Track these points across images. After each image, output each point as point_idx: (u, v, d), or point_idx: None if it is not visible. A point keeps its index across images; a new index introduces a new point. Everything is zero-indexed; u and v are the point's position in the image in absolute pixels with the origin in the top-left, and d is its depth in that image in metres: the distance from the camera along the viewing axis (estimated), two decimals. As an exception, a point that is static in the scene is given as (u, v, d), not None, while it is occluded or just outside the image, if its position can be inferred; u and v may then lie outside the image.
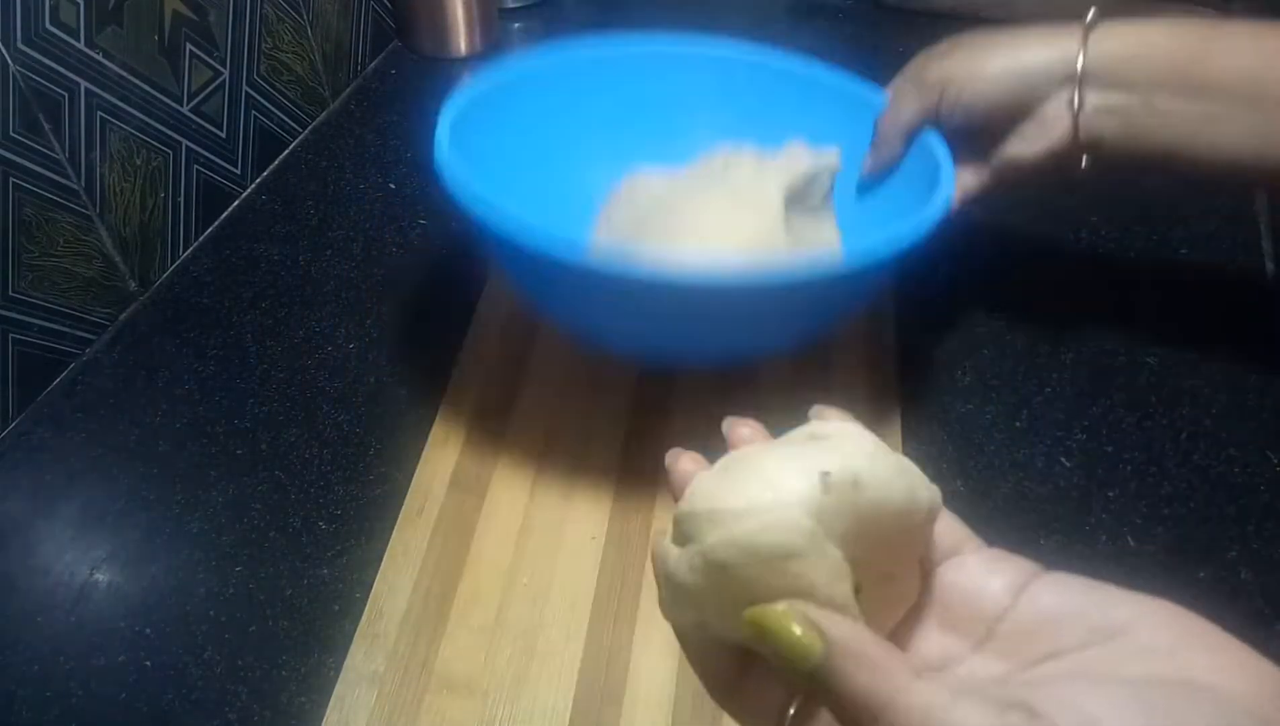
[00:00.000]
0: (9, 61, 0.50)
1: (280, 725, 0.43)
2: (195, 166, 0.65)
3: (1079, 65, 0.46)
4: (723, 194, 0.53)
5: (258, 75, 0.68)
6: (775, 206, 0.51)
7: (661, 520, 0.49)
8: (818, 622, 0.22)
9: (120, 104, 0.57)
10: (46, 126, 0.53)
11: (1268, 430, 0.54)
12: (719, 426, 0.30)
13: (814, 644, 0.22)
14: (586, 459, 0.52)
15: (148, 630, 0.46)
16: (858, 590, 0.24)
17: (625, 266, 0.41)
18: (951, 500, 0.27)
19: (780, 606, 0.22)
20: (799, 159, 0.53)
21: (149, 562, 0.49)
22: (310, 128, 0.75)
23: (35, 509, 0.51)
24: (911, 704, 0.21)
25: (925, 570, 0.27)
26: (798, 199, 0.53)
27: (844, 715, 0.22)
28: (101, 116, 0.56)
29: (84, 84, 0.54)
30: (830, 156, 0.54)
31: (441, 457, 0.52)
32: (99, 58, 0.55)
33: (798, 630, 0.22)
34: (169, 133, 0.62)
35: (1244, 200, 0.68)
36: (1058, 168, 0.49)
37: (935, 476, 0.26)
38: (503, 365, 0.57)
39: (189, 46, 0.61)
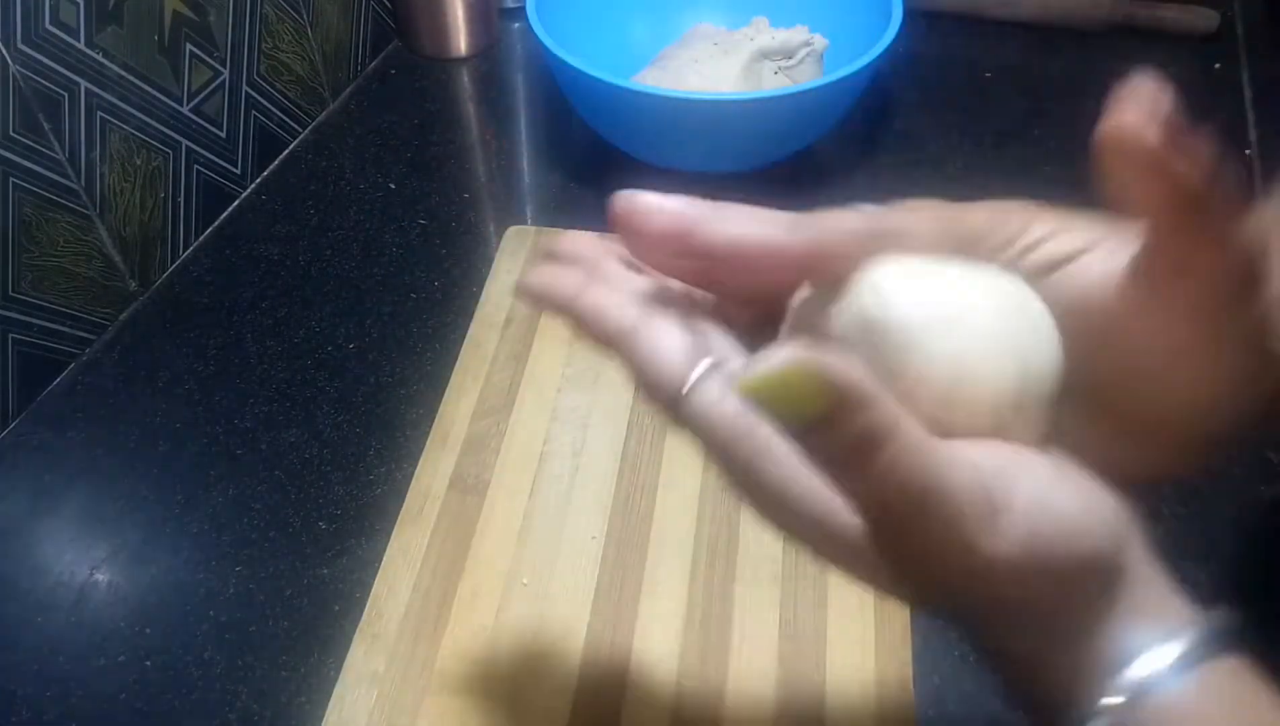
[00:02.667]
0: (9, 61, 0.50)
1: (280, 725, 0.43)
2: (195, 166, 0.65)
3: None
4: (710, 55, 0.70)
5: (258, 75, 0.68)
6: (742, 62, 0.69)
7: (662, 520, 0.49)
8: (823, 362, 0.20)
9: (120, 104, 0.57)
10: (46, 126, 0.53)
11: (1268, 430, 0.54)
12: None
13: (814, 386, 0.20)
14: (586, 458, 0.52)
15: (148, 630, 0.46)
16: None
17: (659, 92, 0.64)
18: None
19: (777, 362, 0.20)
20: (761, 31, 0.71)
21: (149, 562, 0.49)
22: (310, 128, 0.75)
23: (35, 509, 0.51)
24: (911, 431, 0.21)
25: None
26: (783, 69, 0.70)
27: (845, 456, 0.21)
28: (101, 116, 0.56)
29: (84, 84, 0.54)
30: (799, 33, 0.70)
31: (441, 457, 0.52)
32: (99, 58, 0.55)
33: (800, 374, 0.20)
34: (169, 133, 0.62)
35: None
36: None
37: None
38: (503, 365, 0.57)
39: (189, 46, 0.61)
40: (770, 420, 0.21)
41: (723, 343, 0.26)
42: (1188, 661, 0.22)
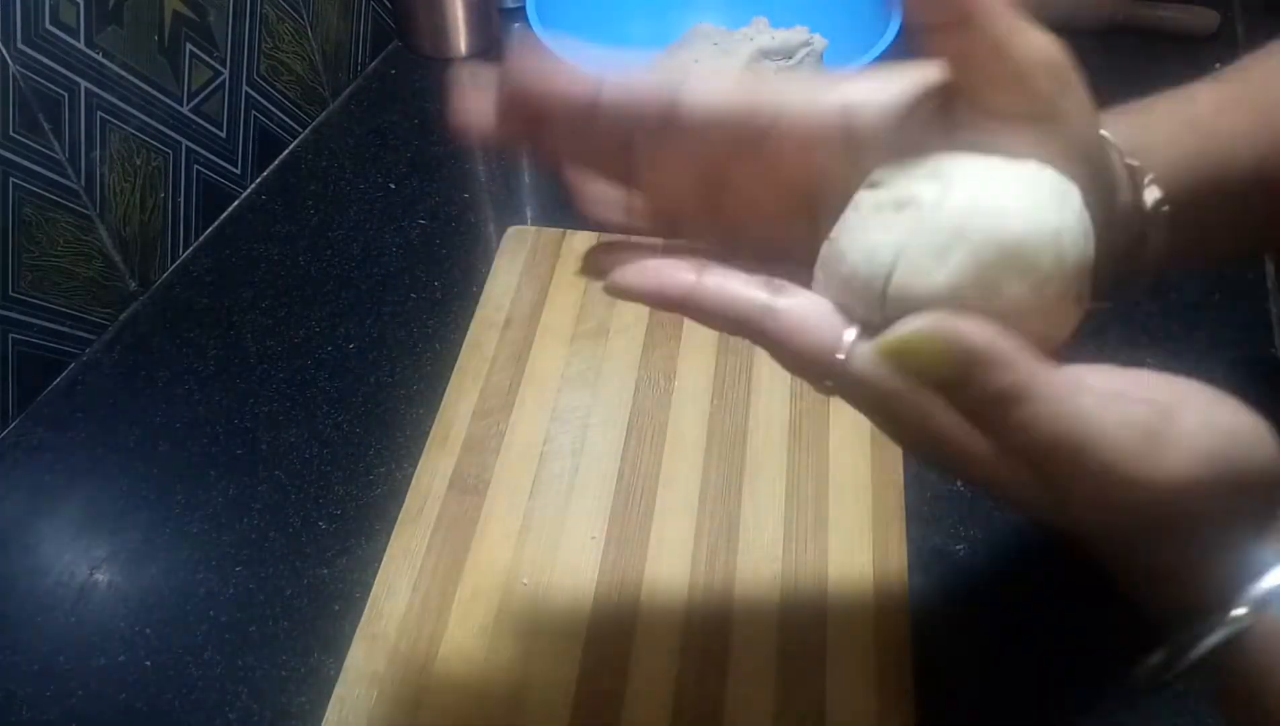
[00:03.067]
0: (9, 61, 0.50)
1: (280, 725, 0.43)
2: (195, 166, 0.65)
3: None
4: (710, 55, 0.71)
5: (258, 75, 0.68)
6: (741, 62, 0.69)
7: (662, 519, 0.49)
8: (956, 328, 0.22)
9: (120, 104, 0.57)
10: (46, 126, 0.53)
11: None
12: None
13: (946, 350, 0.22)
14: (586, 458, 0.52)
15: (148, 630, 0.46)
16: None
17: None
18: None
19: (910, 328, 0.23)
20: (761, 31, 0.71)
21: (149, 562, 0.49)
22: (310, 128, 0.75)
23: (35, 509, 0.51)
24: (1047, 385, 0.22)
25: None
26: (783, 69, 0.70)
27: (985, 411, 0.23)
28: (101, 116, 0.56)
29: (84, 84, 0.54)
30: (799, 33, 0.70)
31: (441, 457, 0.52)
32: (99, 58, 0.55)
33: (931, 339, 0.22)
34: (169, 133, 0.62)
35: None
36: None
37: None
38: (503, 365, 0.57)
39: (189, 46, 0.61)
40: (910, 381, 0.23)
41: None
42: None
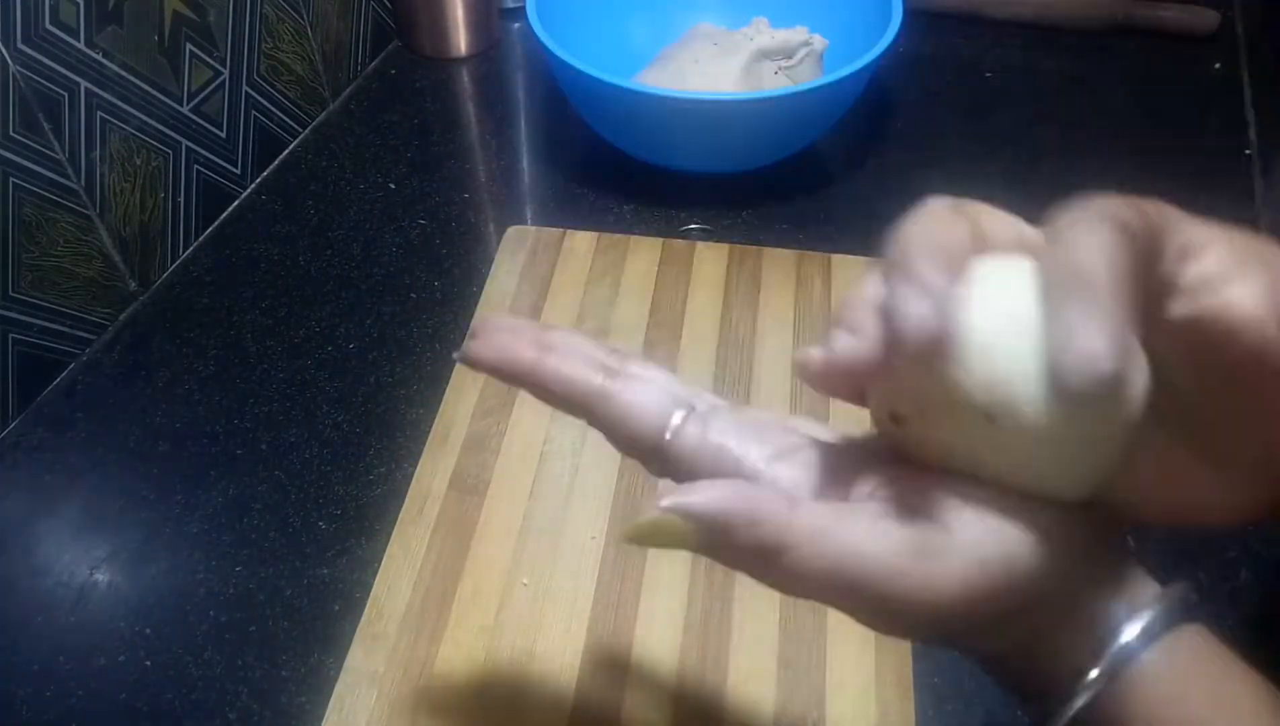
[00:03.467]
0: (9, 61, 0.50)
1: (280, 725, 0.43)
2: (195, 166, 0.65)
3: None
4: (710, 55, 0.70)
5: (258, 75, 0.68)
6: (742, 62, 0.69)
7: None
8: (684, 504, 0.23)
9: (120, 104, 0.57)
10: (46, 126, 0.53)
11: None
12: None
13: (686, 526, 0.23)
14: (586, 458, 0.52)
15: (148, 630, 0.46)
16: None
17: (659, 92, 0.64)
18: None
19: (649, 514, 0.23)
20: (761, 31, 0.71)
21: (149, 562, 0.49)
22: (310, 128, 0.75)
23: (35, 509, 0.51)
24: (802, 530, 0.23)
25: None
26: (783, 69, 0.70)
27: (754, 568, 0.24)
28: (101, 116, 0.56)
29: (84, 84, 0.54)
30: (799, 33, 0.70)
31: (441, 457, 0.52)
32: (99, 58, 0.55)
33: (670, 518, 0.23)
34: (169, 133, 0.62)
35: (1243, 201, 0.68)
36: None
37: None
38: (503, 365, 0.57)
39: (189, 46, 0.61)
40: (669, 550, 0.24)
41: (684, 387, 0.28)
42: (1153, 631, 0.23)
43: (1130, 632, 0.23)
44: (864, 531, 0.23)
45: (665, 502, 0.23)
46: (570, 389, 0.27)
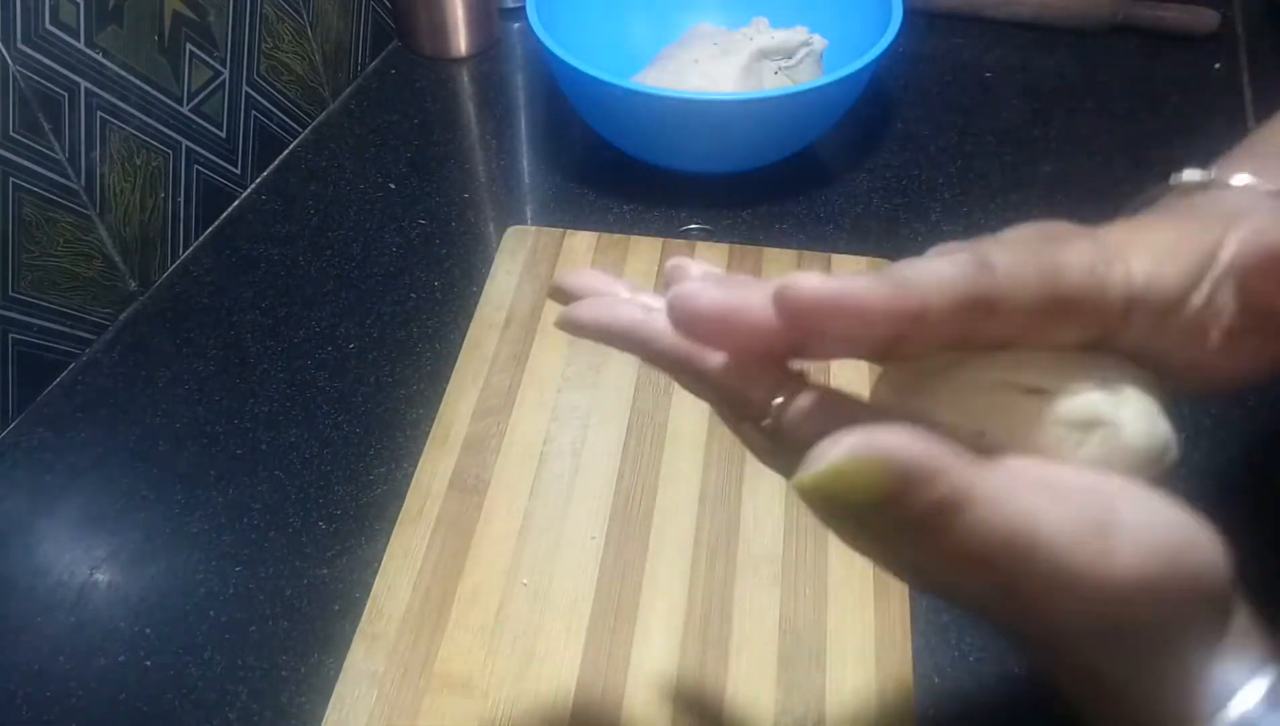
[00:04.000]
0: (9, 61, 0.50)
1: (280, 725, 0.43)
2: (195, 166, 0.65)
3: None
4: (710, 55, 0.70)
5: (258, 75, 0.68)
6: (742, 62, 0.69)
7: (662, 520, 0.49)
8: (881, 446, 0.20)
9: (120, 104, 0.57)
10: (46, 126, 0.53)
11: (1268, 430, 0.54)
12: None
13: (874, 475, 0.20)
14: (586, 458, 0.52)
15: (148, 630, 0.46)
16: None
17: (659, 92, 0.63)
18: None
19: (832, 458, 0.20)
20: (761, 31, 0.71)
21: (149, 562, 0.49)
22: (310, 128, 0.75)
23: (35, 509, 0.51)
24: (987, 488, 0.21)
25: None
26: (783, 69, 0.70)
27: (926, 522, 0.21)
28: (101, 116, 0.56)
29: (84, 84, 0.54)
30: (799, 33, 0.70)
31: (441, 457, 0.52)
32: (99, 58, 0.55)
33: (857, 465, 0.20)
34: (169, 133, 0.62)
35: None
36: None
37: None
38: (503, 365, 0.57)
39: (189, 46, 0.61)
40: (835, 514, 0.22)
41: None
42: (1276, 697, 0.22)
43: (1252, 696, 0.22)
44: (1045, 499, 0.21)
45: (857, 443, 0.20)
46: (677, 350, 0.25)
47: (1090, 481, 0.23)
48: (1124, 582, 0.21)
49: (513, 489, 0.51)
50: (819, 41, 0.71)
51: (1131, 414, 0.24)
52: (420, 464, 0.52)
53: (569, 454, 0.52)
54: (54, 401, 0.56)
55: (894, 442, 0.20)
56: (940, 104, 0.77)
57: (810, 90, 0.62)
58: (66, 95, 0.53)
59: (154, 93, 0.60)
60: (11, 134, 0.51)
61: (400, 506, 0.50)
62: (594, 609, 0.46)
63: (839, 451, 0.20)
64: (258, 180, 0.71)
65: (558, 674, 0.44)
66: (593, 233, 0.65)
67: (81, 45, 0.54)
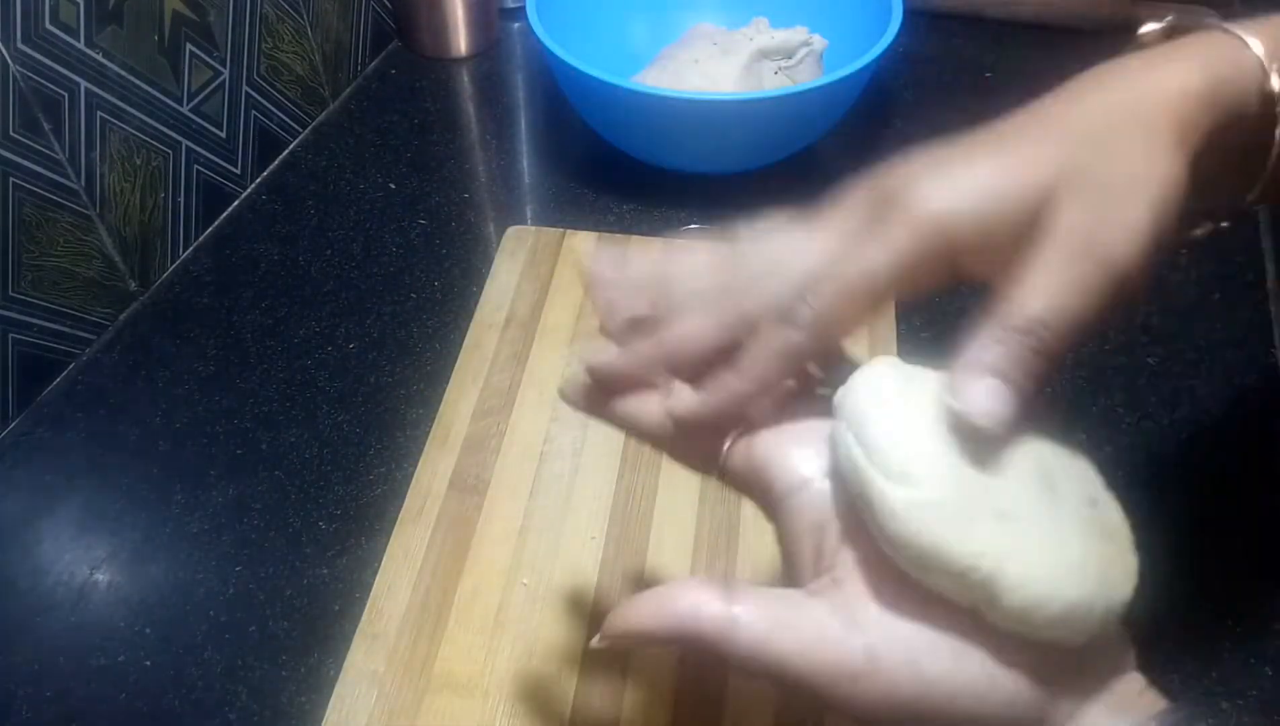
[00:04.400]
0: (9, 61, 0.50)
1: (280, 725, 0.43)
2: (195, 166, 0.65)
3: None
4: (710, 55, 0.70)
5: (258, 75, 0.68)
6: (742, 62, 0.69)
7: (662, 519, 0.49)
8: (625, 632, 0.27)
9: (120, 104, 0.57)
10: (46, 126, 0.53)
11: (1267, 430, 0.54)
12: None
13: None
14: (586, 458, 0.52)
15: (148, 630, 0.46)
16: None
17: (659, 92, 0.64)
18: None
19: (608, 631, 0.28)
20: (761, 31, 0.71)
21: (149, 562, 0.49)
22: (310, 128, 0.75)
23: (35, 509, 0.51)
24: (741, 645, 0.25)
25: None
26: (783, 69, 0.71)
27: (711, 658, 0.26)
28: (101, 116, 0.56)
29: (84, 84, 0.54)
30: (799, 33, 0.71)
31: (441, 457, 0.52)
32: (99, 58, 0.55)
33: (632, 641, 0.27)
34: (169, 133, 0.62)
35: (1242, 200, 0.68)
36: None
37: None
38: (503, 365, 0.57)
39: (189, 46, 0.61)
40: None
41: None
42: None
43: None
44: (804, 639, 0.25)
45: (610, 632, 0.27)
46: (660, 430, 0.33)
47: (860, 609, 0.25)
48: (888, 712, 0.24)
49: (513, 489, 0.51)
50: (819, 41, 0.71)
51: (1014, 580, 0.24)
52: (420, 464, 0.52)
53: (569, 454, 0.52)
54: (54, 401, 0.56)
55: (640, 627, 0.26)
56: (940, 104, 0.77)
57: (810, 90, 0.62)
58: (66, 95, 0.53)
59: (154, 93, 0.60)
60: (11, 134, 0.51)
61: (400, 506, 0.50)
62: (594, 609, 0.46)
63: (618, 627, 0.27)
64: (258, 180, 0.71)
65: (558, 674, 0.44)
66: (593, 233, 0.65)
67: (81, 45, 0.54)
